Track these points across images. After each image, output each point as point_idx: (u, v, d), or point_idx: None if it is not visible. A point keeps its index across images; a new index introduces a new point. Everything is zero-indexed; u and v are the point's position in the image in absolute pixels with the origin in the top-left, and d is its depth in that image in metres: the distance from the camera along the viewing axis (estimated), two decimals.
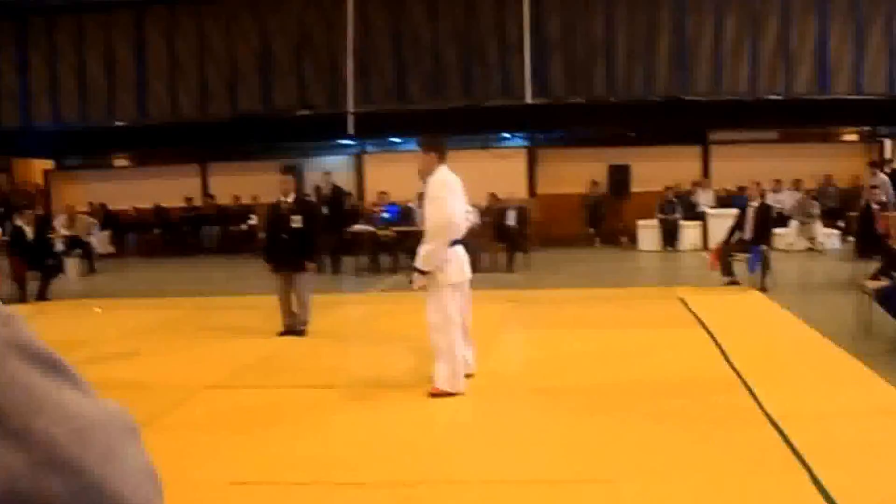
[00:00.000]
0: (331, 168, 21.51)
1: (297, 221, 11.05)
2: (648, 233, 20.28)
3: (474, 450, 6.40)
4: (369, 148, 24.22)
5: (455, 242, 7.84)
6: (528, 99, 21.81)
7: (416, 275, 7.82)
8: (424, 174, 7.92)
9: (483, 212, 19.05)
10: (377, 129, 23.25)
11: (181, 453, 6.53)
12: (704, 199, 21.12)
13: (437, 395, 7.73)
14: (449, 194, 7.72)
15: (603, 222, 21.79)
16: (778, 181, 21.14)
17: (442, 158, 7.94)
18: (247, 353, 10.11)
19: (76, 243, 20.17)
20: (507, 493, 5.52)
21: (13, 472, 0.72)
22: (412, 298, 12.36)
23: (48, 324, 13.32)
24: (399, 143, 24.68)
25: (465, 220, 8.14)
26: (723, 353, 9.07)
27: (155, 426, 7.21)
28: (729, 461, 5.82)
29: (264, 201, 23.42)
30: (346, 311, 13.03)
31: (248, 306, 13.56)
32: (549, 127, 23.48)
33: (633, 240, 20.73)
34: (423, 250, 7.71)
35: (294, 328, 11.05)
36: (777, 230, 17.39)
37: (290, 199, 11.25)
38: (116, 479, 0.79)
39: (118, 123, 24.26)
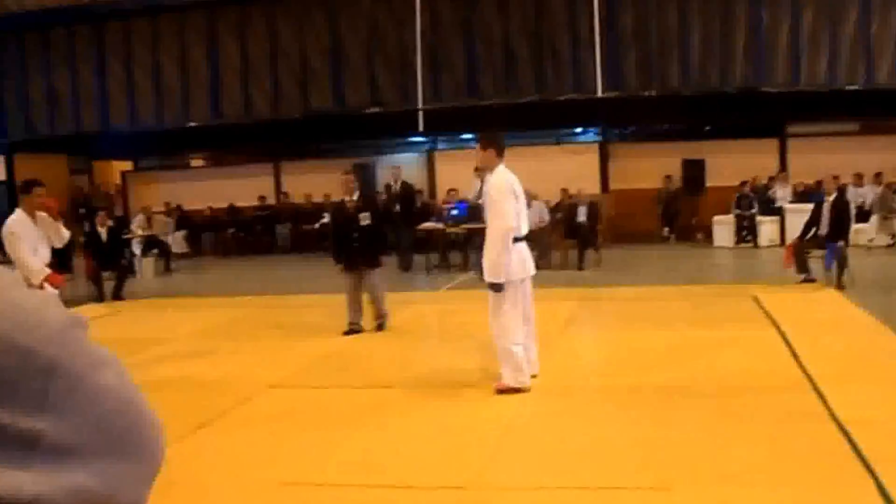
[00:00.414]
0: (401, 166, 21.45)
1: (365, 219, 11.16)
2: (724, 229, 19.92)
3: (531, 453, 6.30)
4: (440, 145, 24.17)
5: (517, 239, 7.82)
6: (601, 93, 21.54)
7: (491, 290, 7.86)
8: (483, 170, 8.19)
9: (554, 208, 18.91)
10: (448, 125, 23.22)
11: (237, 452, 6.68)
12: (782, 194, 20.65)
13: (502, 391, 7.74)
14: (508, 198, 7.73)
15: (677, 218, 21.46)
16: (859, 175, 20.61)
17: (501, 155, 7.96)
18: (312, 351, 10.21)
19: (153, 243, 20.47)
20: (559, 501, 5.42)
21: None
22: (482, 297, 12.37)
23: (121, 323, 13.55)
24: (470, 140, 24.61)
25: (525, 218, 8.11)
26: (794, 353, 8.84)
27: (217, 425, 7.41)
28: (792, 467, 5.63)
29: (336, 199, 23.56)
30: (415, 309, 12.99)
31: (316, 305, 13.62)
32: (622, 121, 23.23)
33: (708, 236, 20.38)
34: (487, 261, 7.76)
35: (356, 328, 11.13)
36: (857, 225, 16.96)
37: (355, 197, 11.32)
38: (142, 400, 0.97)
39: (193, 124, 24.54)
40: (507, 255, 7.65)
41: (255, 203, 24.39)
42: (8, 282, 0.89)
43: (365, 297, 11.29)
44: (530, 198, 17.55)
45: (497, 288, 7.72)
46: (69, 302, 15.09)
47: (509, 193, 7.74)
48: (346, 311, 11.22)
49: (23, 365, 0.83)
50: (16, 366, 0.82)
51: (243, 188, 24.65)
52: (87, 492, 0.86)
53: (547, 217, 17.82)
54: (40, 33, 24.88)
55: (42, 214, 9.12)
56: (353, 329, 11.11)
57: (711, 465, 5.77)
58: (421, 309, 12.64)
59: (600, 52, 21.49)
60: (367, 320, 11.30)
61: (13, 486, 0.80)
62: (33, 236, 9.01)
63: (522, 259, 7.92)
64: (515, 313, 7.85)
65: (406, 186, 19.73)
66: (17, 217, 9.07)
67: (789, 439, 6.19)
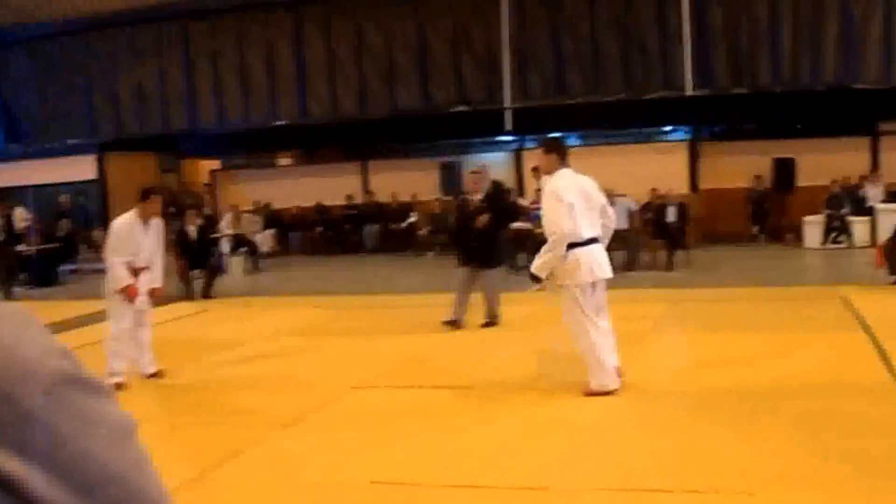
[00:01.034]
0: (488, 165, 21.36)
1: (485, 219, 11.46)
2: (814, 229, 19.49)
3: (613, 455, 6.30)
4: (528, 144, 24.04)
5: (588, 242, 7.81)
6: (690, 91, 21.24)
7: (532, 281, 8.05)
8: (544, 173, 8.32)
9: (643, 208, 18.70)
10: (535, 124, 23.08)
11: (326, 451, 6.80)
12: (874, 194, 20.12)
13: (590, 394, 7.76)
14: (567, 202, 7.73)
15: (767, 218, 21.08)
16: None
17: (563, 160, 8.05)
18: (397, 351, 10.31)
19: (241, 242, 20.71)
20: None
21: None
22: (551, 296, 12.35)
23: (210, 321, 13.73)
24: (558, 139, 24.47)
25: (600, 220, 8.10)
26: (883, 357, 8.63)
27: (305, 423, 7.59)
28: (879, 478, 5.49)
29: (423, 199, 23.65)
30: (500, 310, 12.93)
31: (403, 305, 13.67)
32: (712, 119, 22.88)
33: (798, 236, 19.97)
34: (539, 259, 7.87)
35: (457, 323, 11.39)
36: None
37: (479, 197, 11.68)
38: (144, 479, 0.93)
39: (280, 122, 24.79)
40: (558, 258, 7.72)
41: (343, 202, 24.54)
42: (9, 330, 0.87)
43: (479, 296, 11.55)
44: (613, 197, 17.53)
45: (535, 279, 7.95)
46: (160, 300, 15.35)
47: (570, 199, 7.75)
48: (454, 304, 11.47)
49: (7, 409, 0.82)
50: (1, 409, 0.82)
51: (331, 187, 24.81)
52: None
53: (634, 214, 17.61)
54: (128, 34, 25.35)
55: (157, 220, 9.50)
56: (454, 323, 11.34)
57: (796, 471, 5.71)
58: (507, 310, 12.57)
59: (690, 49, 21.20)
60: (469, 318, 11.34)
61: None
62: (138, 241, 9.31)
63: (591, 261, 7.86)
64: (591, 316, 7.83)
65: (497, 185, 19.59)
66: (127, 219, 9.38)
67: (877, 448, 6.05)
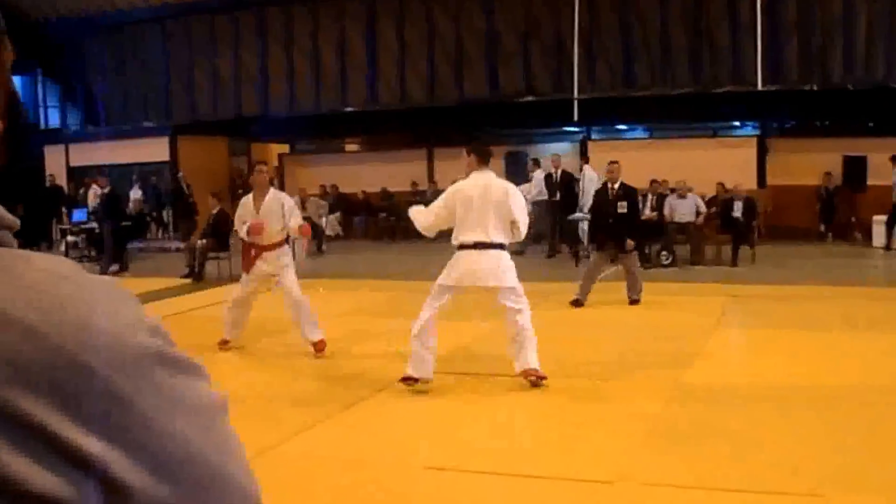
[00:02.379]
0: (560, 154, 21.33)
1: (622, 207, 12.50)
2: (884, 229, 19.22)
3: (677, 451, 6.24)
4: (594, 134, 24.02)
5: (472, 246, 8.00)
6: (760, 85, 21.07)
7: None
8: (465, 172, 8.31)
9: (709, 202, 18.63)
10: (602, 115, 23.08)
11: (382, 435, 6.86)
12: None
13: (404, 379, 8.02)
14: (442, 203, 8.20)
15: (836, 216, 20.83)
16: None
17: (483, 163, 8.16)
18: (459, 336, 10.22)
19: None
20: (705, 501, 5.37)
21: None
22: (621, 288, 12.40)
23: (272, 301, 13.93)
24: (624, 130, 24.40)
25: (485, 228, 8.08)
26: None
27: (360, 406, 7.58)
28: None
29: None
30: (557, 299, 12.97)
31: (467, 291, 13.70)
32: (782, 115, 22.66)
33: (867, 236, 19.71)
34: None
35: (581, 301, 12.40)
36: None
37: (617, 185, 12.67)
38: (232, 462, 0.91)
39: (349, 109, 25.03)
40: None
41: (408, 188, 24.69)
42: (87, 297, 0.85)
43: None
44: (685, 190, 17.49)
45: None
46: (225, 280, 15.65)
47: (445, 198, 8.20)
48: (580, 285, 12.46)
49: (84, 384, 0.80)
50: (81, 383, 0.80)
51: (396, 173, 24.99)
52: None
53: (703, 209, 17.54)
54: (206, 20, 25.77)
55: (275, 191, 10.12)
56: (578, 301, 12.36)
57: (866, 473, 5.61)
58: (558, 300, 12.63)
59: (761, 43, 21.02)
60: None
61: (54, 489, 0.77)
62: (251, 211, 9.84)
63: (459, 267, 8.08)
64: (428, 307, 8.14)
65: (566, 175, 19.65)
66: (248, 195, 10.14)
67: None
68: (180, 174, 22.19)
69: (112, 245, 18.37)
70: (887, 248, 18.30)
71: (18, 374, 0.78)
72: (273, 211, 9.78)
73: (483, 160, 8.12)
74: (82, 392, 0.80)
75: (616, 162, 12.80)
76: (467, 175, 8.15)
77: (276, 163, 27.59)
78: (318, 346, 9.62)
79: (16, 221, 0.91)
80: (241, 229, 9.82)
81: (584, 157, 20.06)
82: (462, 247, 7.98)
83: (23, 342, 0.79)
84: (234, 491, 0.91)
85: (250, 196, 10.01)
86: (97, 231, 19.33)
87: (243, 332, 10.22)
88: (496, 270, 7.95)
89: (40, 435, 0.77)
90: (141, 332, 0.86)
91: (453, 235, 8.02)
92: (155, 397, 0.84)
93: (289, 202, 10.12)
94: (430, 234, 8.48)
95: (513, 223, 7.97)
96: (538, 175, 19.95)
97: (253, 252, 9.84)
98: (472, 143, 8.48)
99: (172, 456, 0.84)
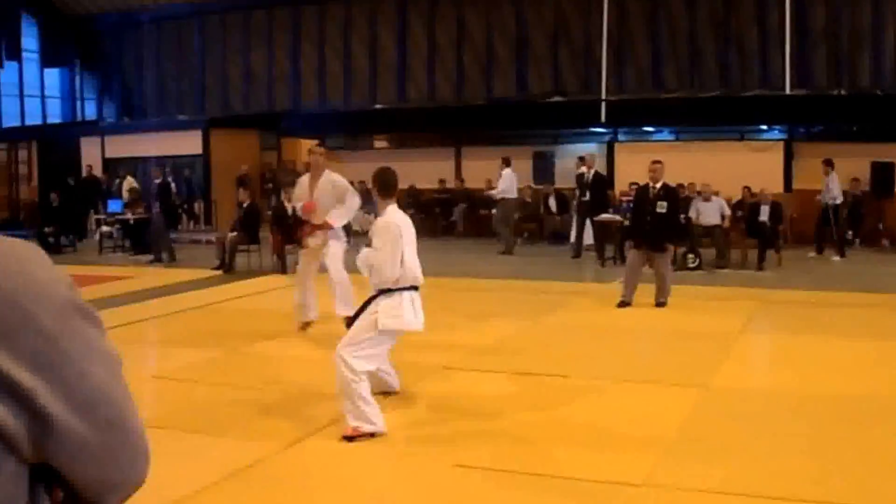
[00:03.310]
0: (594, 154, 21.39)
1: (662, 207, 12.34)
2: None
3: (704, 455, 6.21)
4: (621, 136, 24.13)
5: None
6: (788, 90, 21.16)
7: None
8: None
9: (736, 205, 18.69)
10: (630, 117, 23.18)
11: (410, 431, 6.84)
12: None
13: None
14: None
15: (862, 222, 20.82)
16: None
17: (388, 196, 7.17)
18: (486, 335, 10.28)
19: None
20: None
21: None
22: (649, 291, 12.43)
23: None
24: (651, 133, 24.50)
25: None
26: None
27: (392, 402, 7.49)
28: None
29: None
30: (585, 302, 13.06)
31: (490, 289, 13.84)
32: (809, 120, 22.67)
33: (894, 243, 19.73)
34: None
35: (627, 302, 12.30)
36: None
37: (658, 185, 12.51)
38: (131, 409, 1.04)
39: (379, 106, 25.26)
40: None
41: (436, 186, 24.86)
42: (30, 257, 1.00)
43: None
44: (711, 193, 17.57)
45: None
46: (254, 273, 15.88)
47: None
48: (624, 285, 12.43)
49: (23, 323, 0.93)
50: (18, 321, 0.93)
51: (424, 171, 25.10)
52: (54, 460, 0.97)
53: (727, 212, 17.62)
54: (241, 17, 26.09)
55: (328, 175, 10.42)
56: (624, 303, 12.28)
57: (892, 485, 5.61)
58: (593, 302, 12.74)
59: (790, 48, 21.11)
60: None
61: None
62: (302, 189, 10.51)
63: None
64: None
65: (598, 176, 19.80)
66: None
67: None
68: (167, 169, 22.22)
69: (167, 234, 18.71)
70: None
71: None
72: (326, 192, 10.23)
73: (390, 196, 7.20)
74: (18, 330, 0.93)
75: (659, 161, 12.65)
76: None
77: (305, 158, 27.80)
78: (348, 322, 9.79)
79: None
80: (297, 206, 10.46)
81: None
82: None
83: None
84: (134, 434, 1.05)
85: (306, 176, 10.57)
86: (132, 222, 19.64)
87: (314, 311, 10.61)
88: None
89: None
90: (65, 285, 1.00)
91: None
92: (76, 341, 0.98)
93: (341, 184, 10.38)
94: None
95: None
96: (506, 172, 19.99)
97: (307, 228, 10.34)
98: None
99: (89, 394, 0.97)
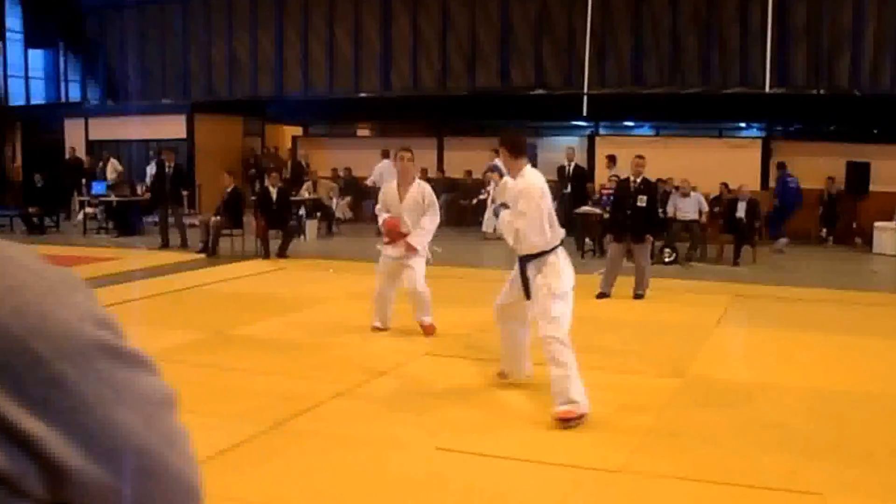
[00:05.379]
0: (574, 147, 21.59)
1: (642, 201, 12.70)
2: (886, 235, 19.45)
3: (679, 444, 6.34)
4: (601, 130, 24.32)
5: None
6: (767, 89, 21.41)
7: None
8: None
9: (713, 201, 18.92)
10: (611, 111, 23.37)
11: (394, 415, 6.95)
12: None
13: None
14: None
15: (837, 221, 21.07)
16: None
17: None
18: (469, 321, 10.31)
19: (317, 207, 21.31)
20: (705, 494, 5.51)
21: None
22: (629, 283, 12.62)
23: (283, 279, 14.32)
24: (632, 127, 24.71)
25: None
26: None
27: (370, 387, 7.67)
28: None
29: (495, 177, 23.98)
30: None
31: (472, 278, 14.00)
32: (788, 118, 22.93)
33: (867, 241, 19.97)
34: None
35: (605, 294, 12.57)
36: None
37: (639, 179, 12.80)
38: (174, 454, 0.95)
39: (362, 95, 25.38)
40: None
41: (418, 175, 24.95)
42: (53, 290, 0.89)
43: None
44: (688, 188, 17.78)
45: None
46: (237, 257, 16.02)
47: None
48: (603, 277, 12.71)
49: (30, 368, 0.84)
50: (24, 366, 0.83)
51: None
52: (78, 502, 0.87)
53: (705, 208, 17.84)
54: (226, 3, 26.15)
55: (418, 184, 9.93)
56: (603, 294, 12.56)
57: (863, 475, 5.74)
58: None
59: (770, 47, 21.34)
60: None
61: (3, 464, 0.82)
62: (390, 198, 9.89)
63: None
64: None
65: (578, 169, 20.00)
66: (392, 183, 10.15)
67: None
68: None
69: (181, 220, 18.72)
70: None
71: None
72: (415, 202, 9.76)
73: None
74: (27, 376, 0.83)
75: (642, 156, 12.94)
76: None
77: (289, 145, 27.92)
78: (427, 330, 9.82)
79: None
80: (381, 216, 9.88)
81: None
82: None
83: None
84: (177, 482, 0.95)
85: (394, 183, 9.97)
86: (114, 204, 19.71)
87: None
88: None
89: None
90: (89, 323, 0.90)
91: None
92: (98, 386, 0.88)
93: (429, 195, 9.88)
94: None
95: None
96: (378, 165, 20.48)
97: (394, 234, 9.80)
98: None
99: (114, 443, 0.88)
